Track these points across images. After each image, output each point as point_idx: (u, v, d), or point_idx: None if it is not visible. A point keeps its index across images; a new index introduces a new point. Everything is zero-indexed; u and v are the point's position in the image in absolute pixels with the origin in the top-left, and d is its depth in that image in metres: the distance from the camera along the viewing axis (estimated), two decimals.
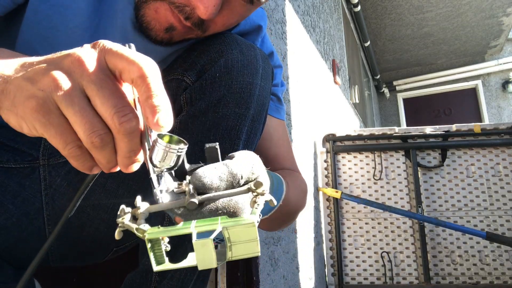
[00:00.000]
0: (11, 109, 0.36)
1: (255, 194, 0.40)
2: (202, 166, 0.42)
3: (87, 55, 0.36)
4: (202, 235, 0.35)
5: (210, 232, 0.35)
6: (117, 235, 0.38)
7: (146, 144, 0.37)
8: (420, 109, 7.63)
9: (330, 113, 3.23)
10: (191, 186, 0.39)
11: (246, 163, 0.43)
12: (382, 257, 2.49)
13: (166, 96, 0.36)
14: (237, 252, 0.35)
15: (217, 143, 0.43)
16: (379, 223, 2.55)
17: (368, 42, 5.81)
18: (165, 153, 0.37)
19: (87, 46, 0.38)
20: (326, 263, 2.54)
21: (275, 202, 0.40)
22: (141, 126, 0.37)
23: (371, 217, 2.57)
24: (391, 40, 6.31)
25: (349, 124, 4.24)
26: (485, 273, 2.37)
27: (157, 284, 0.66)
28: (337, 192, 2.53)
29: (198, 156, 0.52)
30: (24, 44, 0.60)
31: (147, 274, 0.66)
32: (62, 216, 0.67)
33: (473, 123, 2.52)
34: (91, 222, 0.70)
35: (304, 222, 2.22)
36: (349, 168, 2.66)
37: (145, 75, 0.35)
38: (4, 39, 0.63)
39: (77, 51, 0.37)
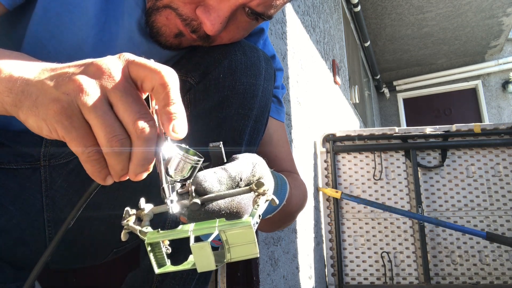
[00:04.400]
0: (32, 110, 0.37)
1: (256, 194, 0.40)
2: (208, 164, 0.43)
3: (112, 64, 0.37)
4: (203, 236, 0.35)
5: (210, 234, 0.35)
6: (123, 236, 0.38)
7: (160, 153, 0.38)
8: (420, 109, 7.62)
9: (330, 113, 3.23)
10: (193, 187, 0.39)
11: (246, 165, 0.44)
12: (382, 257, 2.49)
13: (182, 106, 0.38)
14: (236, 254, 0.36)
15: (221, 142, 0.44)
16: (379, 223, 2.55)
17: (368, 42, 5.81)
18: (182, 163, 0.38)
19: (111, 57, 0.39)
20: (326, 263, 2.54)
21: (277, 201, 0.40)
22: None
23: (371, 217, 2.57)
24: (391, 40, 6.31)
25: (349, 124, 4.24)
26: (485, 273, 2.37)
27: (159, 283, 0.66)
28: (337, 192, 2.53)
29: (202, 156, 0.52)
30: (33, 40, 0.61)
31: (149, 273, 0.66)
32: (62, 217, 0.67)
33: (473, 123, 2.52)
34: (91, 222, 0.69)
35: (304, 222, 2.22)
36: (349, 168, 2.66)
37: (166, 83, 0.37)
38: (12, 34, 0.64)
39: (102, 60, 0.38)
